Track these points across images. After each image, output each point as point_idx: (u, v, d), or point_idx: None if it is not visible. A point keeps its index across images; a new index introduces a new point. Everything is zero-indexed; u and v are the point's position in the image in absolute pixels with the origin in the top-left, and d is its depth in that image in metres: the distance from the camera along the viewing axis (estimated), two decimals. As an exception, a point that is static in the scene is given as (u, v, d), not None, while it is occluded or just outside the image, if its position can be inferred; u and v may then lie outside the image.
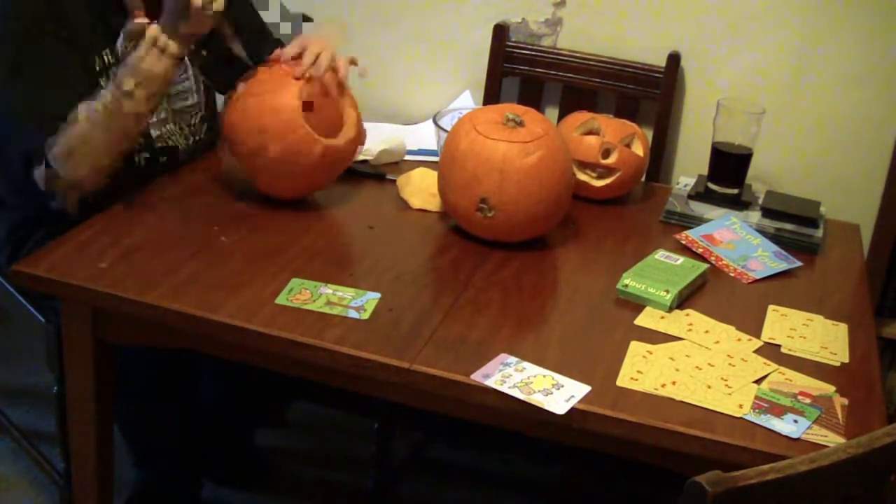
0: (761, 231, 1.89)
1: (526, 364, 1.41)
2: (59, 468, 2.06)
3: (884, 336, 2.12)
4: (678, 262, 1.71)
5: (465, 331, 1.49)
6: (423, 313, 1.53)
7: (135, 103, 1.69)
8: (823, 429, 1.33)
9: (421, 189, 1.90)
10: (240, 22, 1.94)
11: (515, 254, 1.74)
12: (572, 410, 1.33)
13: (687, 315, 1.59)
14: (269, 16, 2.31)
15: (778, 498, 1.08)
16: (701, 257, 1.79)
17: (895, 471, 1.19)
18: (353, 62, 1.85)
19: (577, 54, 2.25)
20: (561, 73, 2.26)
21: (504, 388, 1.35)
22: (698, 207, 1.98)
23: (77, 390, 1.65)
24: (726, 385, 1.40)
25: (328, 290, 1.55)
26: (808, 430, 1.32)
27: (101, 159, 1.70)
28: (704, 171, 2.06)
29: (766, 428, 1.32)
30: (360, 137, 1.86)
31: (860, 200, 2.14)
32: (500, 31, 2.27)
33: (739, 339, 1.53)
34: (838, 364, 1.50)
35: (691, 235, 1.85)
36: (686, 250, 1.81)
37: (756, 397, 1.38)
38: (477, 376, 1.38)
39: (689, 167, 2.23)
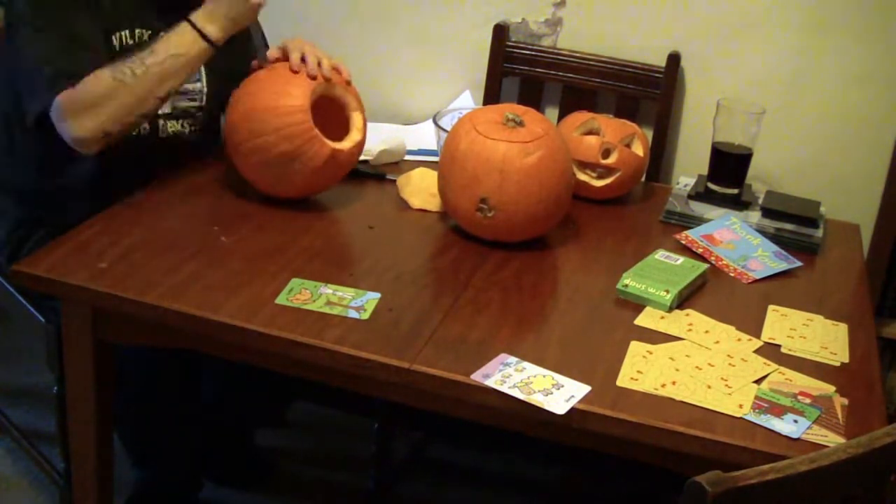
0: (761, 231, 1.89)
1: (526, 364, 1.41)
2: (59, 468, 2.06)
3: (884, 336, 2.12)
4: (678, 262, 1.71)
5: (465, 331, 1.49)
6: (423, 313, 1.53)
7: (159, 76, 1.70)
8: (823, 429, 1.33)
9: (421, 189, 1.90)
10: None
11: (515, 254, 1.74)
12: (572, 410, 1.33)
13: (687, 315, 1.59)
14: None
15: (778, 498, 1.08)
16: (701, 257, 1.79)
17: (895, 471, 1.19)
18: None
19: (577, 54, 2.25)
20: (561, 73, 2.26)
21: (504, 388, 1.35)
22: (698, 207, 1.98)
23: (77, 390, 1.65)
24: (726, 385, 1.40)
25: (328, 290, 1.55)
26: (808, 430, 1.32)
27: (112, 123, 1.70)
28: (704, 171, 2.06)
29: (766, 428, 1.32)
30: (364, 142, 1.86)
31: (860, 200, 2.14)
32: (500, 31, 2.27)
33: (739, 339, 1.53)
34: (838, 364, 1.50)
35: (691, 235, 1.85)
36: (686, 250, 1.81)
37: (756, 397, 1.38)
38: (477, 376, 1.38)
39: (689, 167, 2.23)
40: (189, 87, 1.90)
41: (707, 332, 1.55)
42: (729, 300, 1.67)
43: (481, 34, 2.30)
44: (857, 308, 1.70)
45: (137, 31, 1.82)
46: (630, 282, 1.63)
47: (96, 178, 1.85)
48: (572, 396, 1.35)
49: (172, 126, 1.91)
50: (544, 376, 1.39)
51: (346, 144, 1.81)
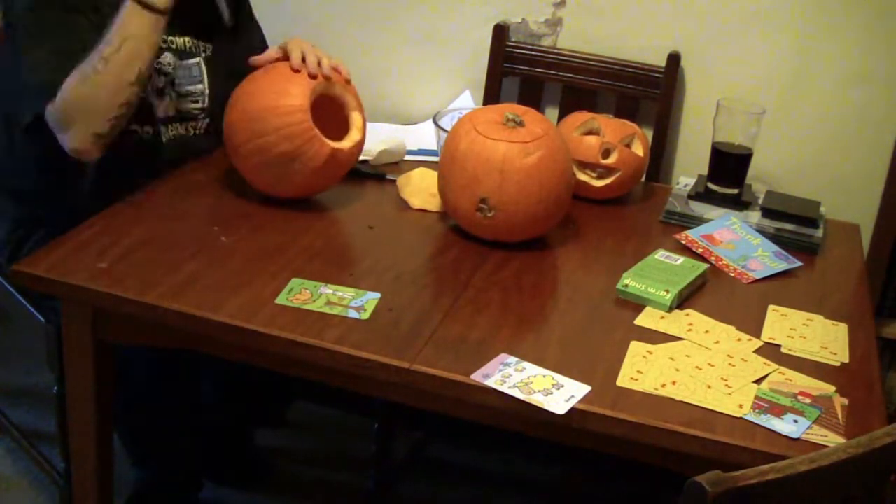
0: (761, 231, 1.89)
1: (526, 364, 1.41)
2: (59, 468, 2.06)
3: (884, 336, 2.12)
4: (678, 262, 1.71)
5: (465, 331, 1.49)
6: (423, 313, 1.53)
7: (123, 63, 1.67)
8: (823, 429, 1.33)
9: (421, 189, 1.90)
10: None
11: (515, 254, 1.74)
12: (572, 410, 1.33)
13: (687, 315, 1.59)
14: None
15: (778, 498, 1.08)
16: (701, 257, 1.79)
17: (895, 471, 1.19)
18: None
19: (577, 54, 2.25)
20: (561, 73, 2.26)
21: (504, 388, 1.35)
22: (698, 207, 1.98)
23: (77, 390, 1.65)
24: (726, 385, 1.40)
25: (328, 290, 1.55)
26: (808, 430, 1.32)
27: (98, 124, 1.69)
28: (704, 171, 2.06)
29: (766, 428, 1.32)
30: (363, 141, 1.86)
31: (860, 200, 2.14)
32: (500, 31, 2.27)
33: (739, 339, 1.53)
34: (838, 364, 1.50)
35: (691, 235, 1.85)
36: (686, 250, 1.81)
37: (756, 397, 1.38)
38: (477, 376, 1.38)
39: (689, 167, 2.23)
40: (190, 88, 1.90)
41: (707, 332, 1.55)
42: (729, 300, 1.67)
43: (481, 34, 2.30)
44: (857, 308, 1.70)
45: None
46: (630, 282, 1.63)
47: (96, 178, 1.85)
48: (572, 396, 1.35)
49: (174, 130, 1.91)
50: (544, 376, 1.39)
51: (345, 144, 1.81)
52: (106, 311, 1.56)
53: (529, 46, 2.28)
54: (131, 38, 1.68)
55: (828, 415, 1.36)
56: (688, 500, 1.04)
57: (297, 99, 1.73)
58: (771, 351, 1.52)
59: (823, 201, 2.02)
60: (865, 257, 1.98)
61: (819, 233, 1.91)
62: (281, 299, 1.52)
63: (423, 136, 2.18)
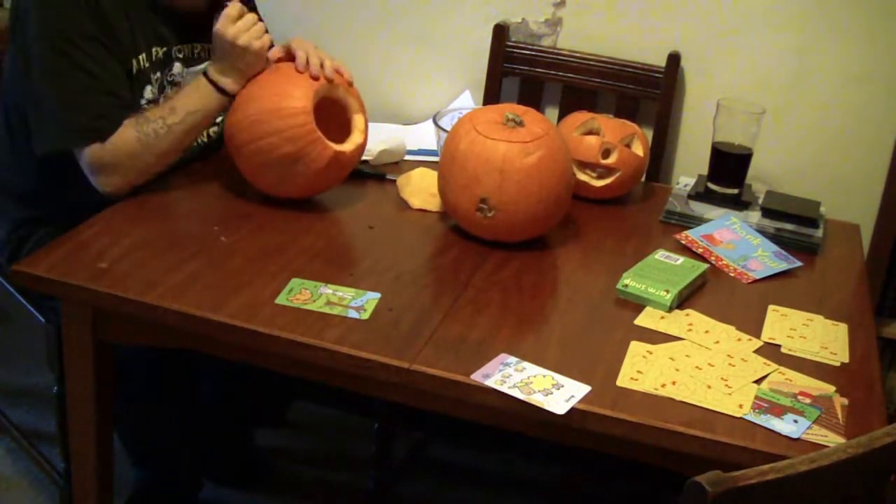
0: (761, 231, 1.89)
1: (526, 364, 1.41)
2: (59, 468, 2.06)
3: (884, 336, 2.12)
4: (678, 262, 1.71)
5: (465, 331, 1.49)
6: (423, 313, 1.53)
7: (181, 133, 1.76)
8: (823, 429, 1.33)
9: (421, 189, 1.90)
10: None
11: (515, 254, 1.74)
12: (572, 410, 1.33)
13: (687, 315, 1.59)
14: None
15: (778, 498, 1.08)
16: (701, 257, 1.79)
17: (895, 471, 1.19)
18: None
19: (577, 54, 2.25)
20: (561, 73, 2.26)
21: (504, 388, 1.35)
22: (698, 207, 1.98)
23: (77, 390, 1.65)
24: (726, 385, 1.40)
25: (328, 290, 1.55)
26: (808, 430, 1.32)
27: (137, 177, 1.78)
28: (704, 171, 2.06)
29: (766, 428, 1.32)
30: (365, 143, 1.86)
31: (860, 200, 2.14)
32: (500, 31, 2.27)
33: (739, 339, 1.53)
34: (838, 364, 1.50)
35: (691, 235, 1.85)
36: (686, 250, 1.81)
37: (756, 397, 1.38)
38: (477, 376, 1.38)
39: (689, 167, 2.23)
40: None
41: (707, 332, 1.55)
42: (729, 300, 1.67)
43: (481, 34, 2.30)
44: (857, 308, 1.70)
45: (154, 49, 1.83)
46: (630, 282, 1.63)
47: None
48: (572, 396, 1.35)
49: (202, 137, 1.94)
50: (544, 376, 1.39)
51: (347, 147, 1.81)
52: (106, 311, 1.56)
53: (529, 46, 2.28)
54: (196, 112, 1.77)
55: (828, 415, 1.36)
56: (688, 500, 1.04)
57: (300, 101, 1.73)
58: (771, 351, 1.52)
59: (823, 201, 2.02)
60: (865, 257, 1.98)
61: (819, 233, 1.91)
62: (281, 299, 1.52)
63: (423, 136, 2.18)
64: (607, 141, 1.96)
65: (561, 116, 2.20)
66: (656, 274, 1.65)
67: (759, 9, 2.13)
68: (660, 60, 2.18)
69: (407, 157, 2.10)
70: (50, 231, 1.75)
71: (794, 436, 1.31)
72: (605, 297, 1.63)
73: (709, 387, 1.40)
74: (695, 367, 1.44)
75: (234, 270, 1.59)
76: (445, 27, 2.35)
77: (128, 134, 1.73)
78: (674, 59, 2.17)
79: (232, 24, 1.75)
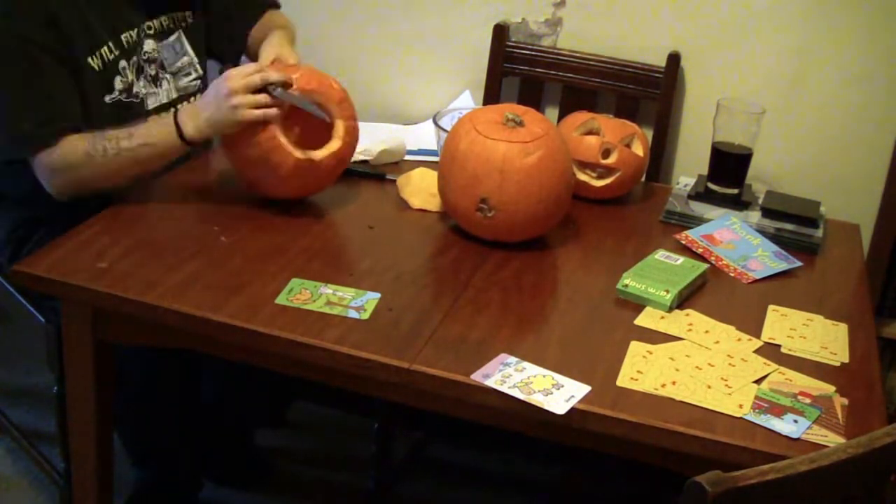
0: (761, 231, 1.89)
1: (526, 364, 1.41)
2: (59, 468, 2.06)
3: (884, 336, 2.12)
4: (678, 262, 1.71)
5: (465, 331, 1.49)
6: (423, 313, 1.53)
7: (130, 161, 1.72)
8: (823, 429, 1.33)
9: (421, 189, 1.90)
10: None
11: (515, 254, 1.74)
12: (572, 410, 1.33)
13: (687, 315, 1.59)
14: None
15: (778, 498, 1.08)
16: (701, 257, 1.79)
17: (895, 471, 1.19)
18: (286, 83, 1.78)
19: (577, 54, 2.25)
20: (561, 73, 2.26)
21: (504, 388, 1.35)
22: (698, 207, 1.98)
23: (77, 390, 1.65)
24: (726, 385, 1.40)
25: (328, 290, 1.55)
26: (808, 430, 1.32)
27: (79, 187, 1.75)
28: (704, 171, 2.06)
29: (766, 428, 1.32)
30: (347, 148, 1.82)
31: (860, 200, 2.14)
32: (500, 31, 2.27)
33: (739, 339, 1.53)
34: (838, 364, 1.50)
35: (691, 235, 1.85)
36: (686, 250, 1.81)
37: (756, 397, 1.38)
38: (477, 376, 1.38)
39: (689, 167, 2.23)
40: (179, 64, 1.93)
41: (707, 332, 1.55)
42: (729, 300, 1.67)
43: (481, 34, 2.30)
44: (857, 308, 1.69)
45: (123, 36, 1.83)
46: (630, 282, 1.63)
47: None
48: (572, 396, 1.35)
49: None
50: (544, 376, 1.39)
51: (320, 154, 1.77)
52: (106, 311, 1.56)
53: (529, 46, 2.28)
54: (150, 146, 1.72)
55: (828, 415, 1.36)
56: (688, 500, 1.04)
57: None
58: (771, 351, 1.52)
59: (823, 201, 2.02)
60: (865, 257, 1.98)
61: (819, 233, 1.91)
62: (281, 299, 1.52)
63: (423, 136, 2.18)
64: (607, 141, 1.96)
65: (561, 116, 2.20)
66: (656, 274, 1.65)
67: (759, 9, 2.13)
68: (660, 60, 2.18)
69: (407, 157, 2.10)
70: (50, 231, 1.75)
71: (794, 436, 1.31)
72: (605, 297, 1.63)
73: (709, 387, 1.40)
74: (695, 367, 1.44)
75: (234, 270, 1.59)
76: (445, 27, 2.35)
77: (79, 145, 1.71)
78: (674, 59, 2.17)
79: (242, 78, 1.69)
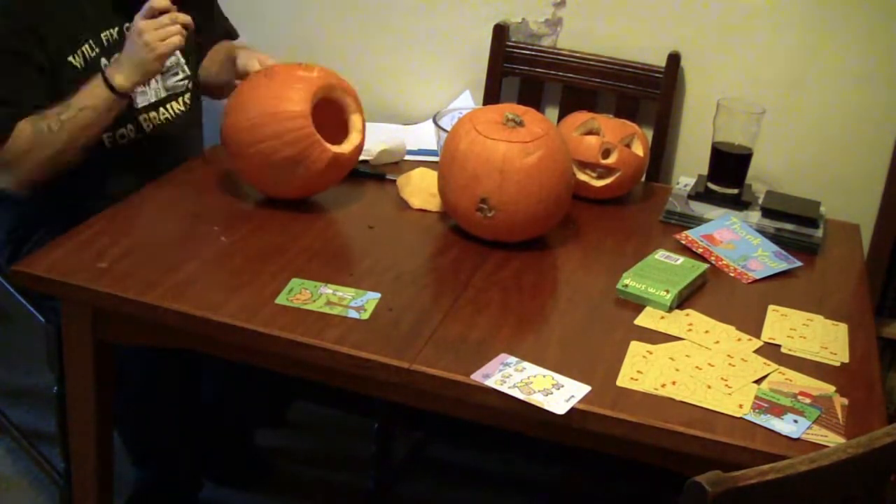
0: (761, 231, 1.89)
1: (526, 364, 1.41)
2: (59, 468, 2.06)
3: (884, 336, 2.12)
4: (678, 262, 1.71)
5: (465, 331, 1.49)
6: (423, 313, 1.53)
7: (75, 129, 1.75)
8: (823, 429, 1.33)
9: (421, 189, 1.90)
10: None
11: (515, 254, 1.74)
12: (572, 410, 1.33)
13: (687, 315, 1.59)
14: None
15: (778, 498, 1.08)
16: (701, 257, 1.79)
17: (895, 471, 1.19)
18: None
19: (577, 54, 2.25)
20: (561, 73, 2.26)
21: (504, 388, 1.35)
22: (698, 207, 1.98)
23: (77, 390, 1.65)
24: (726, 385, 1.40)
25: (328, 290, 1.55)
26: (808, 430, 1.32)
27: (36, 173, 1.78)
28: (704, 171, 2.06)
29: (766, 428, 1.32)
30: (363, 143, 1.87)
31: (860, 200, 2.13)
32: (500, 31, 2.27)
33: (739, 339, 1.53)
34: (838, 364, 1.50)
35: (691, 235, 1.85)
36: (686, 250, 1.81)
37: (756, 397, 1.38)
38: (477, 376, 1.38)
39: (689, 167, 2.23)
40: (166, 64, 1.92)
41: (707, 332, 1.55)
42: (729, 300, 1.67)
43: (481, 34, 2.30)
44: (857, 308, 1.69)
45: (103, 35, 1.84)
46: (630, 282, 1.63)
47: (95, 179, 1.86)
48: (572, 396, 1.35)
49: (165, 113, 1.93)
50: (544, 376, 1.39)
51: (346, 147, 1.81)
52: (106, 311, 1.56)
53: (529, 46, 2.27)
54: (89, 108, 1.75)
55: (828, 415, 1.36)
56: (688, 500, 1.04)
57: (298, 105, 1.73)
58: (771, 351, 1.52)
59: (823, 201, 2.02)
60: (865, 257, 1.98)
61: (819, 233, 1.91)
62: (281, 299, 1.52)
63: (423, 136, 2.18)
64: (607, 141, 1.96)
65: (561, 116, 2.20)
66: (656, 274, 1.65)
67: (759, 9, 2.13)
68: (660, 60, 2.18)
69: (407, 157, 2.10)
70: (50, 231, 1.75)
71: (794, 436, 1.31)
72: (605, 297, 1.63)
73: (709, 387, 1.40)
74: (695, 367, 1.44)
75: (234, 270, 1.59)
76: (445, 27, 2.35)
77: (24, 130, 1.74)
78: (674, 59, 2.17)
79: (147, 17, 1.74)
